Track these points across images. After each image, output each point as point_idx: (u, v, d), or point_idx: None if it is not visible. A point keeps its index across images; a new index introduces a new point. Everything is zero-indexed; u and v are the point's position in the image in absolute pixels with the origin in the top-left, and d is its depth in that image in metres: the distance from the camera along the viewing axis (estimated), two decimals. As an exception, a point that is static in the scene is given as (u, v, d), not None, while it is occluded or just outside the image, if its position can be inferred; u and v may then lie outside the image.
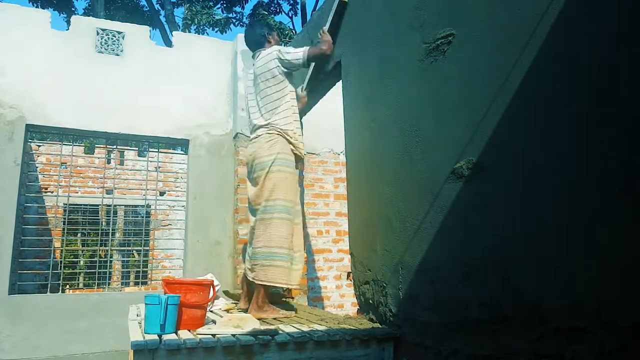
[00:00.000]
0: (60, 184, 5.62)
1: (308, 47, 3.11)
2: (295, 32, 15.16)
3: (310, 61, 3.16)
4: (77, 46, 4.42)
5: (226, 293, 3.75)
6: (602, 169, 1.47)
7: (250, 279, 2.93)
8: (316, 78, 3.50)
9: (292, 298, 3.84)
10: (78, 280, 8.68)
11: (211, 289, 2.53)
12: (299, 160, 3.08)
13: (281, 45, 3.32)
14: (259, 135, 3.03)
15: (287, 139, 2.99)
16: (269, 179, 2.91)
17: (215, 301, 3.32)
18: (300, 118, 3.26)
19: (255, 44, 3.29)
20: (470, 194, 1.97)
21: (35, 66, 4.24)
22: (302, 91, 3.47)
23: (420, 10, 2.34)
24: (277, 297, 3.66)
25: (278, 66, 3.06)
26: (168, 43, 12.95)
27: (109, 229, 5.88)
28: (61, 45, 4.37)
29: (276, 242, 2.85)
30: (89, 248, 8.25)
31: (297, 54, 3.06)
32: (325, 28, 3.19)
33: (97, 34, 4.51)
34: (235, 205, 4.53)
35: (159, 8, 17.65)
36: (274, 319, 2.79)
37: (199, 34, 15.32)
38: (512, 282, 1.75)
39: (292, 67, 3.11)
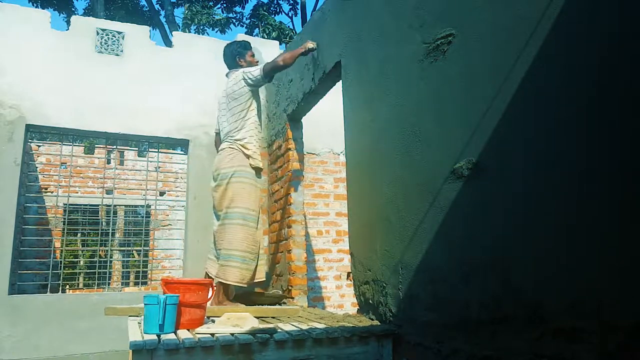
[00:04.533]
0: (60, 184, 5.62)
1: (264, 64, 3.38)
2: (295, 32, 15.16)
3: (269, 75, 3.37)
4: (77, 46, 4.42)
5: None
6: (602, 169, 1.47)
7: (214, 277, 3.20)
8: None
9: (292, 298, 3.84)
10: (78, 281, 8.69)
11: (210, 288, 2.53)
12: (258, 171, 3.39)
13: (257, 60, 3.65)
14: (223, 149, 3.38)
15: (245, 154, 3.31)
16: (229, 188, 3.24)
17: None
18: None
19: (229, 63, 3.62)
20: (470, 194, 1.97)
21: (35, 66, 4.24)
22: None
23: (420, 10, 2.34)
24: (277, 297, 3.66)
25: (244, 86, 3.36)
26: (168, 43, 12.96)
27: (109, 229, 5.87)
28: (61, 45, 4.37)
29: (234, 245, 3.17)
30: (89, 248, 8.25)
31: (255, 71, 3.34)
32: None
33: (97, 34, 4.51)
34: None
35: (159, 8, 17.65)
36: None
37: (199, 34, 15.32)
38: (512, 282, 1.75)
39: (256, 84, 3.39)
